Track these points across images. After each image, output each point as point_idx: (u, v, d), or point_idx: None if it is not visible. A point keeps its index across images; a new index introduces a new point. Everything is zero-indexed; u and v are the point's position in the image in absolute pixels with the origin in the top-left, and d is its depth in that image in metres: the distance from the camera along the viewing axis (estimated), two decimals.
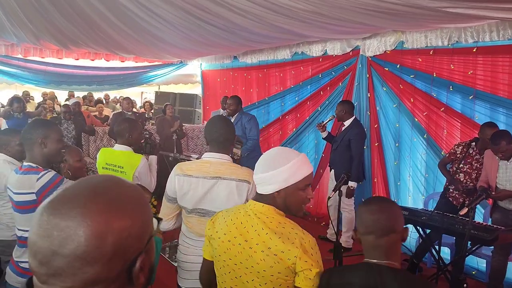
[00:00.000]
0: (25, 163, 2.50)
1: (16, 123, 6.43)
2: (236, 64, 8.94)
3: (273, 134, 8.04)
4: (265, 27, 5.33)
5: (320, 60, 6.83)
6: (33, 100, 11.04)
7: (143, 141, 4.09)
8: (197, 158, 6.27)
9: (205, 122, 9.85)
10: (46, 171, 2.39)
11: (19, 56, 8.56)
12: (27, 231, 2.42)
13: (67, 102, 10.39)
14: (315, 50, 6.80)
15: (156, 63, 10.51)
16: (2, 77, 8.79)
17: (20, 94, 10.80)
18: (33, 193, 2.35)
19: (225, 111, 6.59)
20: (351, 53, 6.28)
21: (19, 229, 2.50)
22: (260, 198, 1.69)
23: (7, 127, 6.71)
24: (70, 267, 0.69)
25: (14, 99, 7.09)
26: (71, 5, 5.32)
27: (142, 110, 11.70)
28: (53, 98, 11.20)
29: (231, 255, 1.68)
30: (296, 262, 1.54)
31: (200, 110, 10.49)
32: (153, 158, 3.75)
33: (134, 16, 5.54)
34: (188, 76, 11.04)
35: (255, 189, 2.29)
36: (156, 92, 11.40)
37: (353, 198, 5.41)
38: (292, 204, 1.67)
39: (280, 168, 1.62)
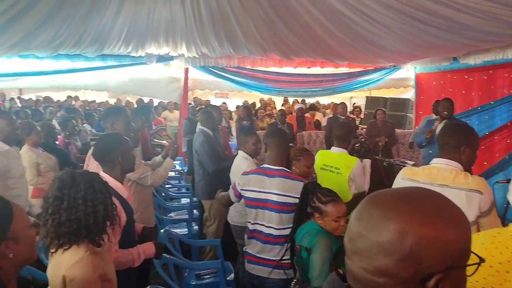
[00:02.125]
0: (275, 167, 2.87)
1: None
2: (456, 66, 8.28)
3: (498, 142, 7.16)
4: (496, 24, 4.82)
5: None
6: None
7: (358, 144, 4.22)
8: (413, 165, 6.08)
9: (416, 128, 9.45)
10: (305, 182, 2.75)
11: (248, 66, 9.78)
12: (283, 228, 2.77)
13: (283, 108, 11.39)
14: None
15: (369, 68, 10.54)
16: (234, 85, 10.19)
17: (249, 101, 12.34)
18: (297, 197, 2.70)
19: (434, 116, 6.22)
20: None
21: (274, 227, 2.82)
22: None
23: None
24: (367, 250, 0.78)
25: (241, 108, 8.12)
26: (295, 16, 5.84)
27: (352, 115, 11.90)
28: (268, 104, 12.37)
29: (493, 283, 1.45)
30: None
31: (412, 115, 10.08)
32: (367, 162, 3.85)
33: (350, 22, 5.73)
34: (401, 80, 10.73)
35: (488, 201, 2.13)
36: (367, 97, 11.44)
37: None
38: None
39: None
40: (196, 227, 5.24)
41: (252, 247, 2.90)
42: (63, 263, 1.72)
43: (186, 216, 5.34)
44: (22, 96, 12.46)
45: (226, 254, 4.18)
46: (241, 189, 2.94)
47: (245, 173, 3.03)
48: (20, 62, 8.86)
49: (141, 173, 3.37)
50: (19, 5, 5.56)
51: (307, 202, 2.53)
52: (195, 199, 5.75)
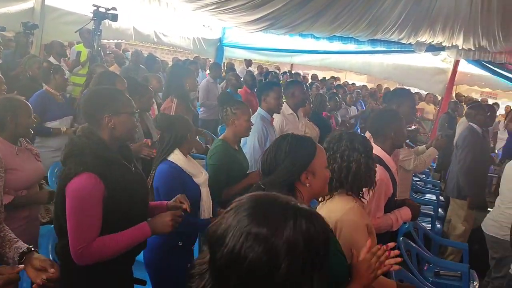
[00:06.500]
0: None
1: None
2: None
3: None
4: None
5: None
6: None
7: None
8: None
9: None
10: None
11: None
12: None
13: None
14: None
15: None
16: None
17: None
18: None
19: None
20: None
21: None
22: None
23: None
24: None
25: None
26: None
27: None
28: None
29: None
30: None
31: None
32: None
33: None
34: None
35: None
36: None
37: None
38: None
39: None
40: (439, 226, 5.02)
41: None
42: (336, 210, 1.89)
43: (430, 212, 5.16)
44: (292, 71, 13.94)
45: (470, 263, 3.87)
46: None
47: None
48: (297, 40, 9.89)
49: (404, 155, 3.40)
50: None
51: None
52: (441, 198, 5.56)
